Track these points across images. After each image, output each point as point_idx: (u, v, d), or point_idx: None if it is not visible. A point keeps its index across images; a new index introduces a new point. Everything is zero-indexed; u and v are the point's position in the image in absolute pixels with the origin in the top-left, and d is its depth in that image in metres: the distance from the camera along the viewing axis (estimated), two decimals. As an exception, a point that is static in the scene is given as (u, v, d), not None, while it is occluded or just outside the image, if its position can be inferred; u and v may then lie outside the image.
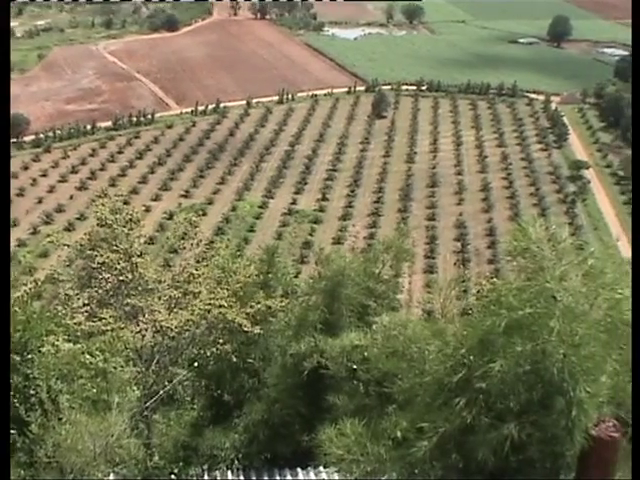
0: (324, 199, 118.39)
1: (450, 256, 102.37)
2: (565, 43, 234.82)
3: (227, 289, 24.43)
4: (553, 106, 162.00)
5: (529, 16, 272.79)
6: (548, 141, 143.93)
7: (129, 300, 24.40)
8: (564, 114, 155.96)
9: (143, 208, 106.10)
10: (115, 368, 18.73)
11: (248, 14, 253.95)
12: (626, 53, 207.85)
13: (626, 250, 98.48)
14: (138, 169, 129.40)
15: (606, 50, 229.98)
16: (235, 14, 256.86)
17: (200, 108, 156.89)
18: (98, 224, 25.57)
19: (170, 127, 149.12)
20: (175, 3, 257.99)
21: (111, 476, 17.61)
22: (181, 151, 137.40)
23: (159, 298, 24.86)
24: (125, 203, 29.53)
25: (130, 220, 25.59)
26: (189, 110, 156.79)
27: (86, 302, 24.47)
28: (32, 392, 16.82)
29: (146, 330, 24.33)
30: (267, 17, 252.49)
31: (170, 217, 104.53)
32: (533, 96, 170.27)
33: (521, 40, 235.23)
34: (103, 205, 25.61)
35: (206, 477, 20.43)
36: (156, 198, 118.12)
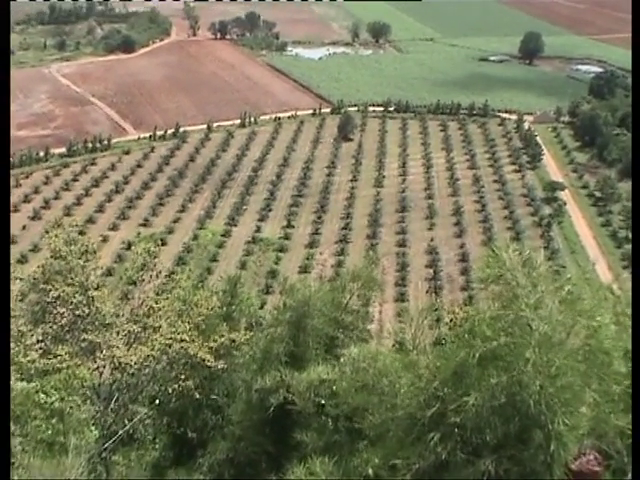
0: (289, 226, 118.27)
1: (422, 283, 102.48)
2: (537, 60, 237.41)
3: (189, 322, 24.35)
4: (526, 125, 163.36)
5: (500, 33, 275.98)
6: (521, 162, 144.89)
7: (86, 335, 24.23)
8: (537, 134, 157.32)
9: (100, 238, 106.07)
10: (72, 407, 18.55)
11: (208, 34, 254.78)
12: (600, 70, 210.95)
13: (604, 274, 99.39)
14: (94, 197, 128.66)
15: (580, 67, 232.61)
16: (194, 34, 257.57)
17: (159, 133, 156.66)
18: (52, 256, 25.41)
19: (127, 153, 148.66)
20: (131, 23, 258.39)
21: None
22: (139, 178, 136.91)
23: (117, 333, 24.72)
24: (80, 233, 29.50)
25: (86, 251, 25.45)
26: (147, 135, 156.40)
27: (40, 338, 24.26)
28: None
29: (104, 367, 24.16)
30: (228, 37, 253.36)
31: (128, 247, 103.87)
32: (505, 116, 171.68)
33: (492, 58, 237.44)
34: (57, 236, 25.46)
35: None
36: (114, 227, 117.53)
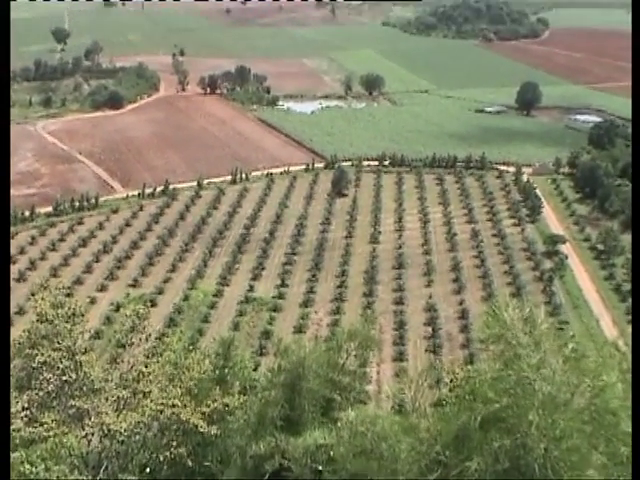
0: (283, 285, 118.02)
1: (421, 342, 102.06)
2: (535, 110, 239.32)
3: (180, 387, 24.21)
4: (525, 178, 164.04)
5: (496, 84, 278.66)
6: (521, 215, 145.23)
7: (73, 402, 24.08)
8: (537, 186, 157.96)
9: (88, 300, 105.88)
10: (59, 477, 18.37)
11: (197, 89, 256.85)
12: (600, 119, 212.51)
13: (609, 329, 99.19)
14: (82, 257, 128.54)
15: (579, 117, 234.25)
16: (183, 89, 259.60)
17: (148, 190, 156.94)
18: (38, 319, 25.34)
19: (116, 211, 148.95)
20: (119, 79, 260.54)
21: None
22: (128, 237, 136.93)
23: (106, 399, 24.56)
24: (68, 295, 29.37)
25: (73, 314, 25.38)
26: (136, 193, 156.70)
27: (25, 405, 24.10)
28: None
29: (93, 434, 23.96)
30: (218, 92, 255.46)
31: (117, 309, 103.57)
32: (503, 168, 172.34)
33: (488, 109, 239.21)
34: (43, 299, 25.42)
35: None
36: (102, 288, 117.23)
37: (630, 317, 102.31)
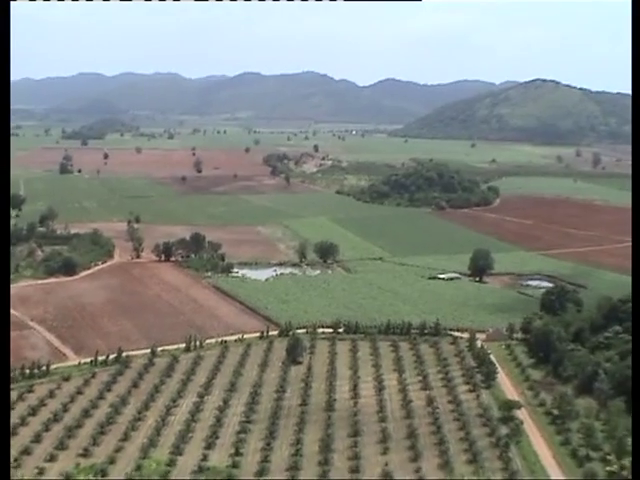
0: (238, 454, 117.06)
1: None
2: (487, 277, 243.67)
3: None
4: (479, 344, 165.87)
5: (449, 251, 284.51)
6: (476, 381, 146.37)
7: None
8: (491, 351, 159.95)
9: (36, 471, 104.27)
10: None
11: (152, 256, 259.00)
12: (551, 285, 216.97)
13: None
14: (31, 427, 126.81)
15: (531, 282, 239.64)
16: (138, 256, 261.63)
17: (100, 358, 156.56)
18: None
19: (67, 379, 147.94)
20: (73, 245, 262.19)
21: None
22: (80, 405, 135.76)
23: None
24: (16, 467, 29.63)
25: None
26: (89, 360, 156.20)
27: None
28: None
29: None
30: (172, 259, 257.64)
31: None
32: (457, 334, 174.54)
33: (441, 276, 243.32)
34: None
35: None
36: (51, 458, 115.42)
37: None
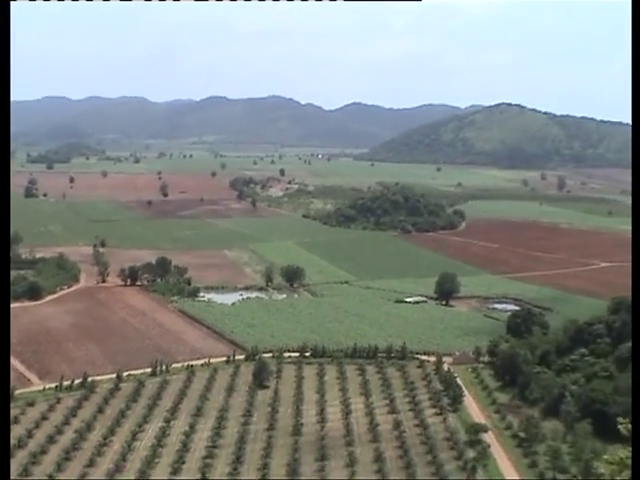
0: (204, 479, 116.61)
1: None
2: (454, 300, 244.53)
3: None
4: (445, 367, 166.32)
5: (415, 274, 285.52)
6: (442, 405, 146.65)
7: None
8: (457, 375, 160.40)
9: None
10: None
11: (118, 280, 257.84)
12: (517, 308, 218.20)
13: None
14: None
15: (497, 306, 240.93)
16: (104, 281, 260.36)
17: (66, 383, 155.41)
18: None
19: (32, 404, 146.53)
20: (38, 269, 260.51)
21: None
22: (44, 431, 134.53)
23: None
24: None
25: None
26: (53, 385, 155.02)
27: None
28: None
29: None
30: (138, 283, 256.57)
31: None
32: (424, 357, 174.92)
33: (408, 299, 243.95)
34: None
35: None
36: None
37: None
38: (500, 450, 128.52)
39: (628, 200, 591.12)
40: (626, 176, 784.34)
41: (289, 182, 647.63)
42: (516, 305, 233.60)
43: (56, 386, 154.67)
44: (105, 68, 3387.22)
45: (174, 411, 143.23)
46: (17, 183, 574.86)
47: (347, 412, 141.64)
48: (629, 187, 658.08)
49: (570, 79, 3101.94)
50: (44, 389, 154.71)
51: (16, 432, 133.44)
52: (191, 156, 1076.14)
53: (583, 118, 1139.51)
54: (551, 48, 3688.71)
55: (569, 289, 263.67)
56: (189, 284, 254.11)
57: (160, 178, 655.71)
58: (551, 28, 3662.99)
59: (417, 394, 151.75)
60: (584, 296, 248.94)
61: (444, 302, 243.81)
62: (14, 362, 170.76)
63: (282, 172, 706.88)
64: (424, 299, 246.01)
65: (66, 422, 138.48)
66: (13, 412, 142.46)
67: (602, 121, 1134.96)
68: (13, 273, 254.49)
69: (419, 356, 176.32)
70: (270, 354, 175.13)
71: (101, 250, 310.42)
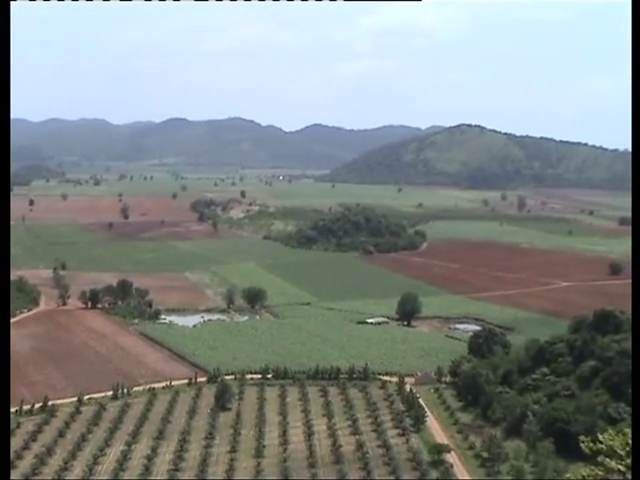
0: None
1: None
2: (416, 321, 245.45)
3: None
4: (408, 387, 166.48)
5: (376, 295, 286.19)
6: (405, 425, 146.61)
7: None
8: (420, 395, 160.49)
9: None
10: None
11: (78, 303, 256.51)
12: (479, 328, 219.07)
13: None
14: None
15: (458, 326, 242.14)
16: (64, 304, 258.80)
17: (25, 407, 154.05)
18: None
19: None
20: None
21: None
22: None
23: None
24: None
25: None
26: (13, 410, 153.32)
27: None
28: None
29: None
30: (99, 306, 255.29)
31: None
32: (386, 378, 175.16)
33: (370, 320, 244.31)
34: None
35: None
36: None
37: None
38: (463, 470, 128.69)
39: (587, 219, 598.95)
40: (585, 196, 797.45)
41: (250, 204, 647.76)
42: (477, 325, 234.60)
43: (16, 410, 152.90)
44: (65, 90, 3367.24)
45: (136, 434, 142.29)
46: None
47: (310, 434, 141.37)
48: (588, 207, 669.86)
49: (530, 99, 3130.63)
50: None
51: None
52: (152, 178, 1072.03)
53: (542, 138, 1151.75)
54: (510, 69, 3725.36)
55: (530, 308, 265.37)
56: (150, 307, 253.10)
57: (121, 200, 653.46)
58: (510, 49, 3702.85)
59: (380, 415, 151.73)
60: (545, 315, 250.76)
61: (406, 323, 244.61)
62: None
63: (243, 194, 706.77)
64: (386, 320, 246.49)
65: (26, 447, 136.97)
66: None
67: (561, 141, 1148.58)
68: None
69: (381, 377, 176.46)
70: (232, 376, 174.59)
71: (61, 273, 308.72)
